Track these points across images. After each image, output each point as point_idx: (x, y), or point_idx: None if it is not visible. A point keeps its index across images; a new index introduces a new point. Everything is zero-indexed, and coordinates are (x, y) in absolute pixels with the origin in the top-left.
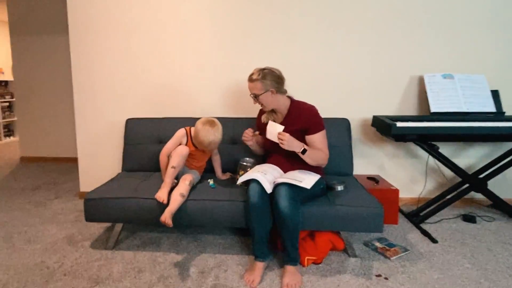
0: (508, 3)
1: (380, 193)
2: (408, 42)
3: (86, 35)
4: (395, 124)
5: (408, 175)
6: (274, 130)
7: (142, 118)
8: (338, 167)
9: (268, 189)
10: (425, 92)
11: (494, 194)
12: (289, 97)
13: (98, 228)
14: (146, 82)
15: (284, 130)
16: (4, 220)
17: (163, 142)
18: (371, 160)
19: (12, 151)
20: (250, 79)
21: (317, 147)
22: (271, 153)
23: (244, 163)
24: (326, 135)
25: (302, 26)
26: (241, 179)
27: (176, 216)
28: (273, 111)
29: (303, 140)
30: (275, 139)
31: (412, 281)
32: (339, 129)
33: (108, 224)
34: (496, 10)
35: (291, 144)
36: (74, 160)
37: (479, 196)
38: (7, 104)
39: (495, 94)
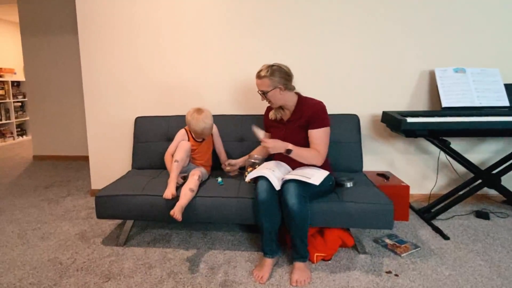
0: None
1: (390, 189)
2: (418, 35)
3: (95, 35)
4: (406, 120)
5: (419, 171)
6: (260, 136)
7: (151, 116)
8: (347, 163)
9: (277, 185)
10: (436, 87)
11: (508, 190)
12: (296, 93)
13: (109, 225)
14: (155, 80)
15: (290, 127)
16: (19, 217)
17: (172, 140)
18: (381, 157)
19: (25, 150)
20: (258, 76)
21: (315, 143)
22: None
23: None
24: (329, 134)
25: (310, 22)
26: (249, 176)
27: (185, 213)
28: (280, 107)
29: (307, 135)
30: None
31: (423, 278)
32: (348, 125)
33: (119, 221)
34: (510, 0)
35: (276, 146)
36: (85, 158)
37: (492, 192)
38: (19, 104)
39: (510, 88)
